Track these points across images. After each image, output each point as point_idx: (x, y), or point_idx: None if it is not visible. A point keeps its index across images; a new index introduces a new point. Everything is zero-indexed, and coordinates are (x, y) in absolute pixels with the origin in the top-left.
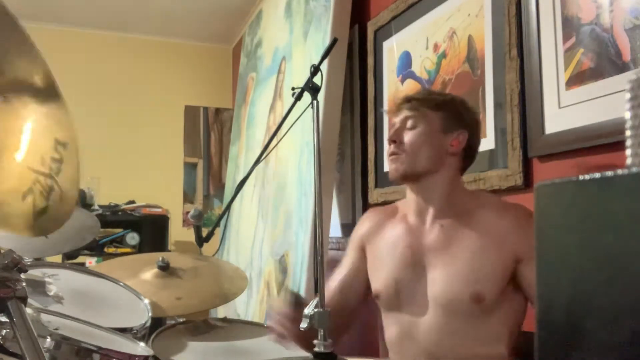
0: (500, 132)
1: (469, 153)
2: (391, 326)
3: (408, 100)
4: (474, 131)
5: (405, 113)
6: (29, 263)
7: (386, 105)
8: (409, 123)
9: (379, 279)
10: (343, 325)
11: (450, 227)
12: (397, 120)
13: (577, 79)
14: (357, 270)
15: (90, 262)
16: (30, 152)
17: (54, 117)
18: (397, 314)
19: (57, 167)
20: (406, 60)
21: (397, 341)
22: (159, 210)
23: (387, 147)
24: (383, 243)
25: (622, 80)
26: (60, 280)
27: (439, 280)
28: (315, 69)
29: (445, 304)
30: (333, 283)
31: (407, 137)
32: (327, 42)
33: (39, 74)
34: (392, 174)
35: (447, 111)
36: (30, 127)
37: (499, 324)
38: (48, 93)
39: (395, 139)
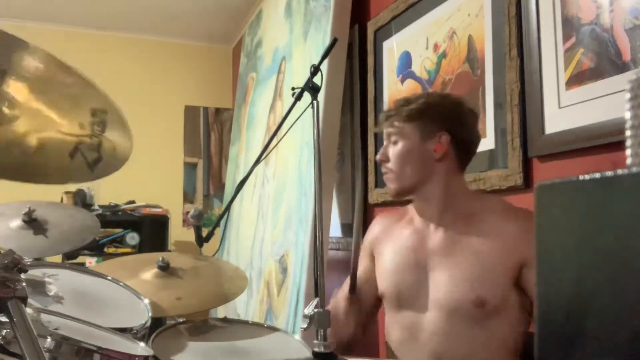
0: (500, 132)
1: (462, 148)
2: (395, 327)
3: (385, 116)
4: (459, 125)
5: (387, 130)
6: (29, 263)
7: (386, 106)
8: (392, 139)
9: (384, 280)
10: (356, 326)
11: (454, 231)
12: (384, 136)
13: (577, 79)
14: (368, 275)
15: (90, 262)
16: (66, 121)
17: (81, 91)
18: (401, 316)
19: (100, 128)
20: (406, 60)
21: (401, 343)
22: (159, 210)
23: None
24: (390, 245)
25: (622, 80)
26: (60, 280)
27: (442, 283)
28: (315, 69)
29: (447, 307)
30: (345, 287)
31: (391, 154)
32: (327, 42)
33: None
34: (390, 193)
35: (421, 119)
36: (59, 102)
37: (502, 328)
38: (68, 73)
39: (383, 159)
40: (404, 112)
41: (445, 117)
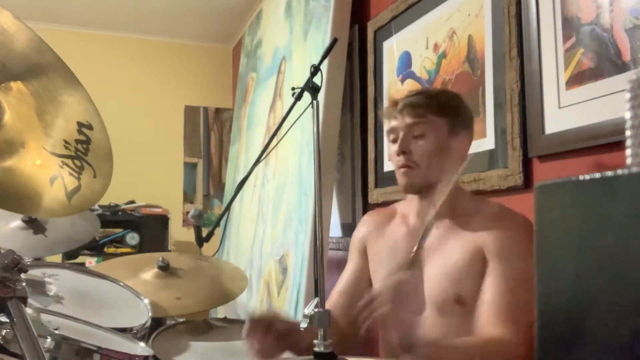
0: (500, 132)
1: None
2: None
3: (411, 105)
4: (472, 124)
5: (409, 119)
6: (29, 263)
7: (386, 104)
8: (416, 131)
9: (380, 279)
10: (350, 326)
11: (445, 229)
12: (401, 126)
13: (577, 79)
14: (359, 273)
15: (90, 262)
16: (52, 138)
17: (73, 101)
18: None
19: (84, 147)
20: (406, 60)
21: None
22: (159, 210)
23: (387, 147)
24: (384, 244)
25: (622, 80)
26: (60, 280)
27: (431, 279)
28: (315, 69)
29: (436, 303)
30: (337, 287)
31: (418, 148)
32: (327, 42)
33: (48, 59)
34: (405, 188)
35: (452, 114)
36: (48, 115)
37: None
38: (64, 79)
39: (405, 150)
40: (436, 105)
41: (468, 115)
